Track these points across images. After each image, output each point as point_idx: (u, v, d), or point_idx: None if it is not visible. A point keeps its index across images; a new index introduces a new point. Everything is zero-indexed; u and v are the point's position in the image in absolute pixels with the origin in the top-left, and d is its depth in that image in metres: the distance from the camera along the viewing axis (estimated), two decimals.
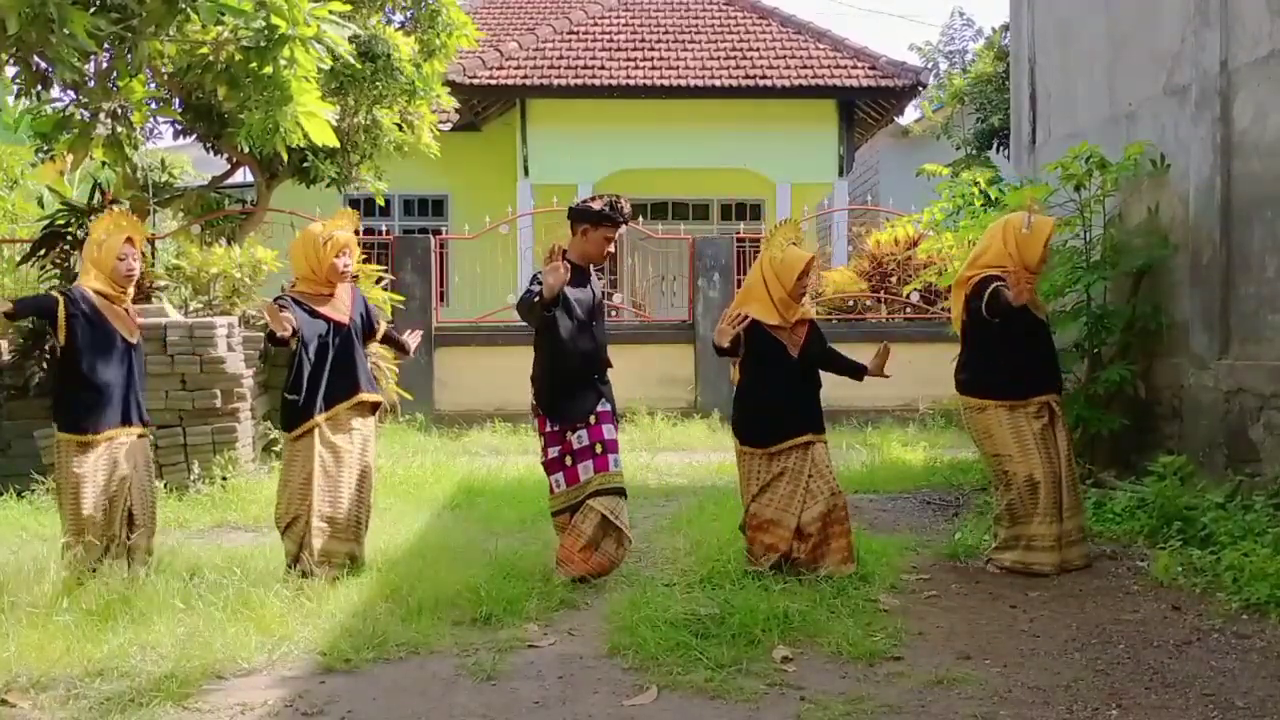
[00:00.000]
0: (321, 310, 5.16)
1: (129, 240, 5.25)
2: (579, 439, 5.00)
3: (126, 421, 5.15)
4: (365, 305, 5.41)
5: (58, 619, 4.24)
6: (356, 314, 5.27)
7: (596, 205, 5.10)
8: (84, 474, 5.01)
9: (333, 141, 5.82)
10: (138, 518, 5.15)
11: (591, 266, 5.23)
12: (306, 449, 5.04)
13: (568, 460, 5.01)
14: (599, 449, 4.99)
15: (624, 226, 5.19)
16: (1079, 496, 5.38)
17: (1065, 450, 5.27)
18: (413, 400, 10.69)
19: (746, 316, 5.03)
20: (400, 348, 5.65)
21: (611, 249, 5.19)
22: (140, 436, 5.26)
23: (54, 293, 5.27)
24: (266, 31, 5.02)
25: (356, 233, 5.34)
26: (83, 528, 4.99)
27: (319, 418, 5.04)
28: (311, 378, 5.06)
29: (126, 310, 5.28)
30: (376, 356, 9.10)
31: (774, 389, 5.11)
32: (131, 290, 5.36)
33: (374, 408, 5.28)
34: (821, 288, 12.91)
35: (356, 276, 5.51)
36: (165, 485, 7.30)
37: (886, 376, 5.33)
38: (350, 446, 5.12)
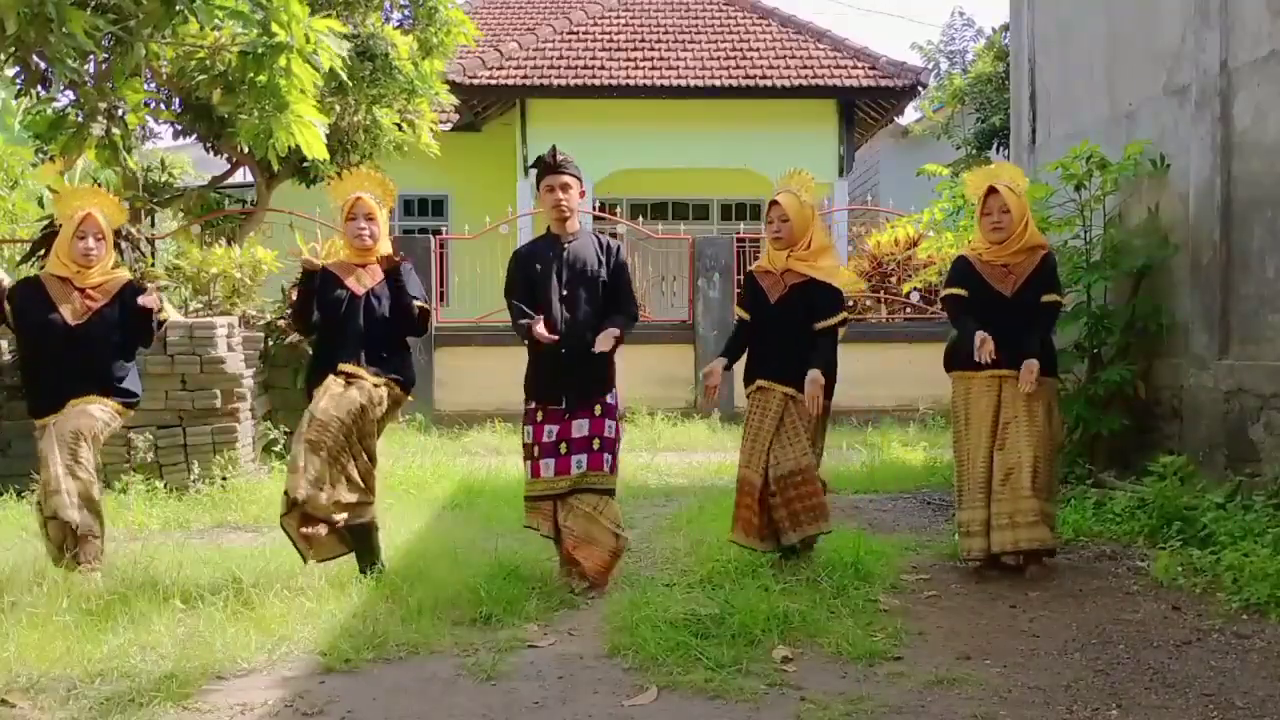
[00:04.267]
0: (344, 279, 5.03)
1: (88, 218, 5.02)
2: (549, 432, 4.89)
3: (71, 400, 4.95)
4: (398, 282, 5.04)
5: (58, 619, 4.24)
6: (381, 288, 5.02)
7: None
8: (42, 459, 4.92)
9: (324, 155, 5.80)
10: (50, 493, 4.84)
11: (576, 236, 5.02)
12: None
13: (535, 451, 4.91)
14: (564, 448, 4.85)
15: (563, 174, 4.96)
16: (1023, 480, 4.99)
17: (1021, 431, 5.04)
18: (413, 400, 10.65)
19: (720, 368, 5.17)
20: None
21: (560, 198, 4.97)
22: (89, 404, 4.97)
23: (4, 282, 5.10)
24: (264, 38, 5.03)
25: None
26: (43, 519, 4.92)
27: (327, 381, 4.90)
28: (323, 345, 5.02)
29: (85, 291, 5.03)
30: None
31: (752, 334, 5.21)
32: (98, 270, 5.04)
33: (387, 387, 5.01)
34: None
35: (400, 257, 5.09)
36: (165, 485, 7.31)
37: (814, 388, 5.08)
38: (349, 394, 4.86)
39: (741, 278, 12.74)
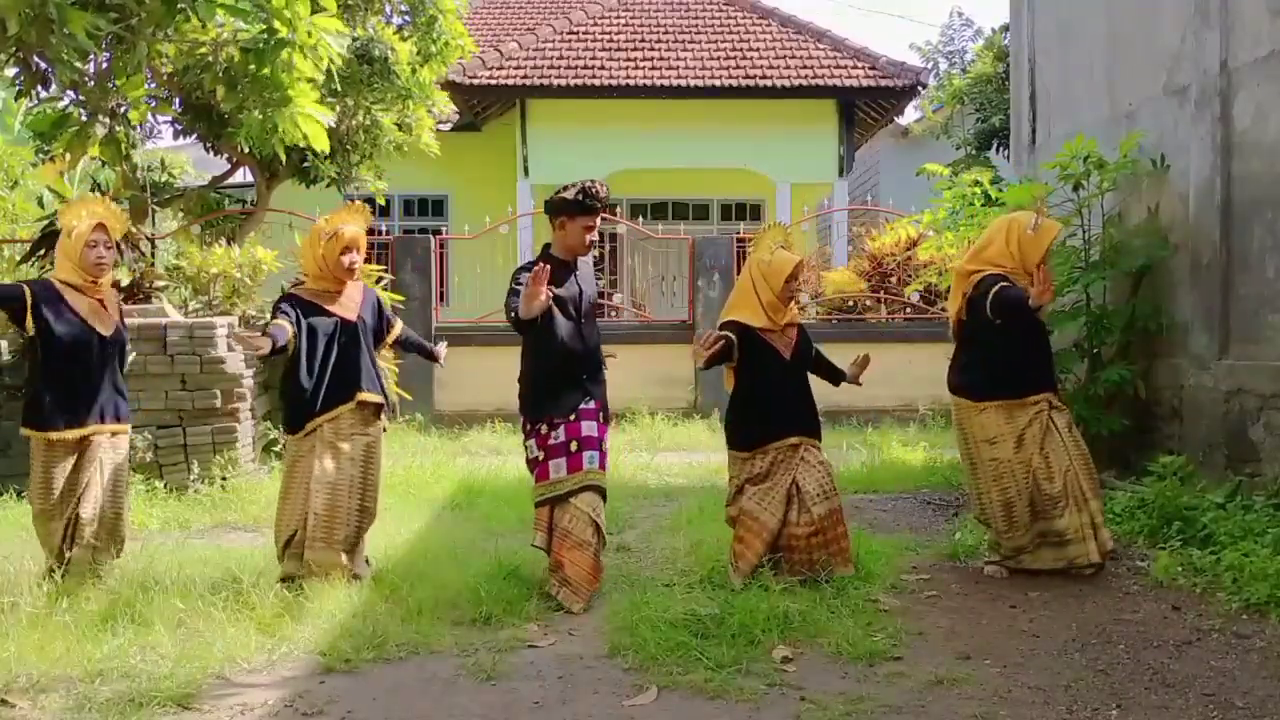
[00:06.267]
0: (327, 307, 5.00)
1: (100, 227, 4.96)
2: (555, 435, 4.83)
3: (101, 419, 4.97)
4: (378, 305, 5.25)
5: (58, 619, 4.24)
6: (366, 313, 5.11)
7: (570, 194, 4.86)
8: (55, 475, 4.89)
9: (326, 147, 5.79)
10: (85, 522, 4.89)
11: (579, 259, 4.99)
12: (308, 451, 4.89)
13: (540, 456, 4.87)
14: (574, 446, 4.80)
15: (601, 213, 4.91)
16: (1091, 485, 5.14)
17: (1076, 438, 5.17)
18: (413, 400, 10.70)
19: (722, 338, 4.91)
20: (426, 354, 5.51)
21: (593, 238, 4.95)
22: (114, 435, 5.05)
23: (20, 283, 5.05)
24: (265, 34, 5.02)
25: (371, 231, 5.25)
26: (49, 532, 4.93)
27: (321, 419, 4.89)
28: (313, 376, 4.91)
29: (102, 303, 5.03)
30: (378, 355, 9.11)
31: (767, 392, 5.08)
32: (107, 281, 5.07)
33: (378, 411, 5.07)
34: (821, 287, 12.90)
35: (379, 279, 5.35)
36: (165, 485, 7.30)
37: (859, 385, 5.37)
38: (353, 452, 4.93)
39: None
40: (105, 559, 4.98)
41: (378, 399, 5.06)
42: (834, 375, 5.39)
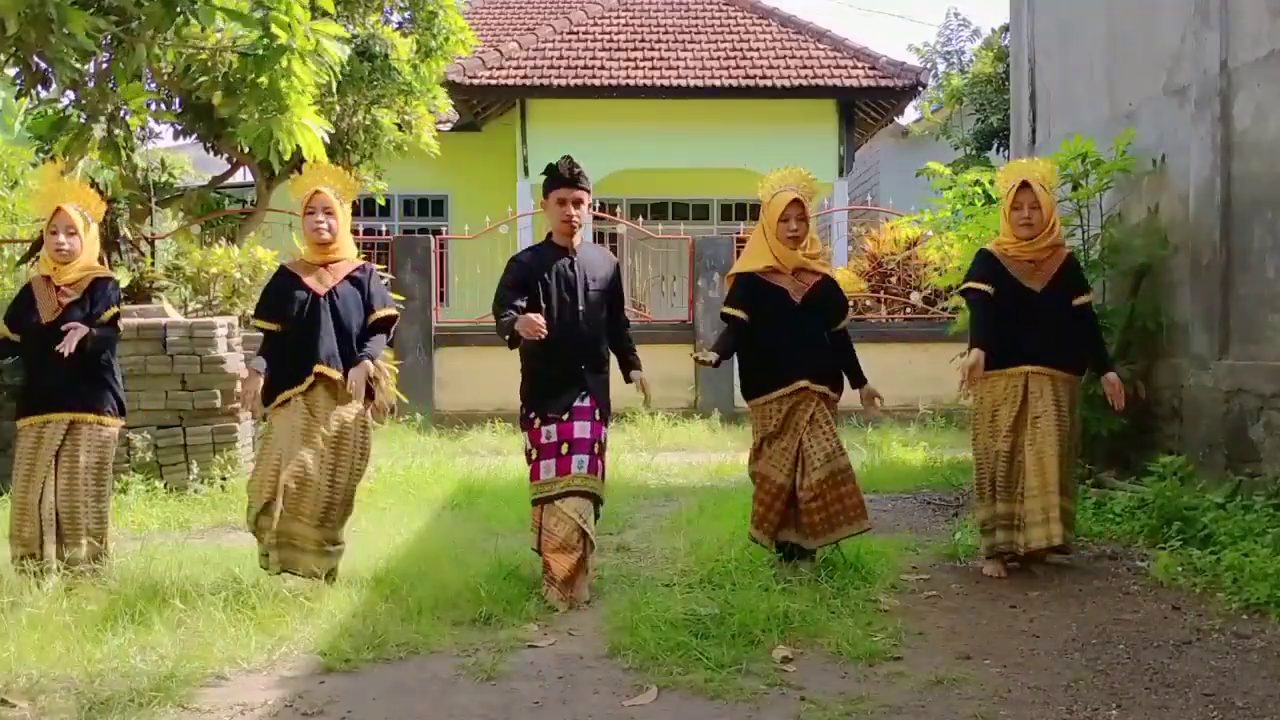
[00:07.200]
0: (304, 279, 4.90)
1: (58, 212, 4.88)
2: (548, 434, 4.77)
3: (52, 407, 4.87)
4: (366, 285, 4.98)
5: (58, 619, 4.24)
6: (345, 288, 4.91)
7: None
8: (20, 464, 4.86)
9: (322, 157, 5.78)
10: (44, 517, 4.80)
11: (583, 245, 4.94)
12: (281, 422, 4.80)
13: (533, 454, 4.82)
14: (565, 449, 4.73)
15: (576, 187, 4.83)
16: (1054, 477, 5.04)
17: (1046, 426, 5.07)
18: (412, 400, 10.70)
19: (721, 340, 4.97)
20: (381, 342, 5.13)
21: (572, 213, 4.85)
22: (75, 424, 4.89)
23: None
24: (265, 40, 5.02)
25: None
26: (11, 530, 4.87)
27: (289, 392, 4.78)
28: (283, 349, 4.83)
29: (60, 288, 4.92)
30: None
31: (774, 334, 5.02)
32: (75, 267, 4.92)
33: (365, 390, 4.86)
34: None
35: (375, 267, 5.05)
36: (165, 485, 7.30)
37: (878, 400, 5.29)
38: (325, 430, 4.78)
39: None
40: (78, 557, 4.86)
41: (333, 374, 4.81)
42: (852, 374, 5.26)
